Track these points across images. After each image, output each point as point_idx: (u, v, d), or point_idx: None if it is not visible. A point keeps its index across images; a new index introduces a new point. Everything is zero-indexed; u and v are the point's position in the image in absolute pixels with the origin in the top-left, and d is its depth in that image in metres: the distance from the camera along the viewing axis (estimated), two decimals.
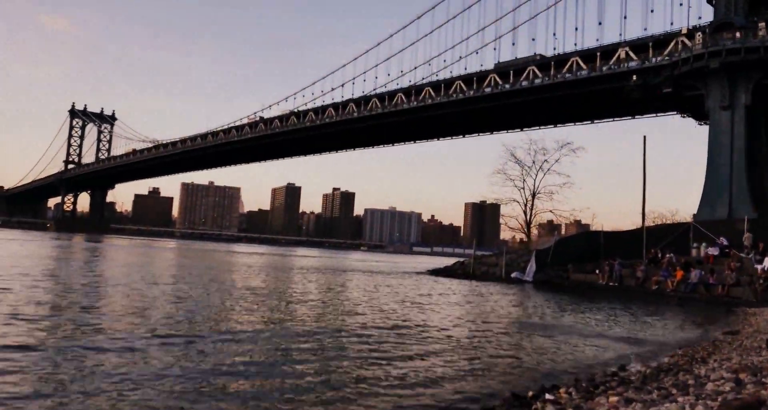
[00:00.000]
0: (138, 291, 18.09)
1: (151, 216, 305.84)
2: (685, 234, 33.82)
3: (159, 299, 16.23)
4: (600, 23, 62.47)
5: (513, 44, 70.68)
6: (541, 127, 74.63)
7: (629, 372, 9.04)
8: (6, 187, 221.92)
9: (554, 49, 65.40)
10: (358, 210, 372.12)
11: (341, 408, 6.80)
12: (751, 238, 31.05)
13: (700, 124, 56.30)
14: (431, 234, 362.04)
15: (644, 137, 37.66)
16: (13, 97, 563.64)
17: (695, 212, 47.28)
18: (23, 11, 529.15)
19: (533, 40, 68.15)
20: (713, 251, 31.05)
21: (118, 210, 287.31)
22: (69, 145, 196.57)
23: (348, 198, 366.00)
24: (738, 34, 46.79)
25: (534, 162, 49.45)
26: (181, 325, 11.78)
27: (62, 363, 7.91)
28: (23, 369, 7.44)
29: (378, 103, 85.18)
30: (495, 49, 71.88)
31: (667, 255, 31.48)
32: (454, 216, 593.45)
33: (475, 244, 53.63)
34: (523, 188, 49.85)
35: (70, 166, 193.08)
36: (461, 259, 50.18)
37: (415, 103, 79.60)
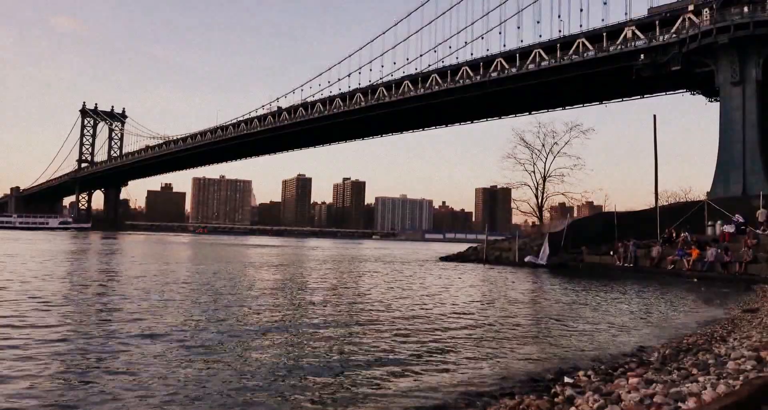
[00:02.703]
0: (163, 287, 18.20)
1: (164, 212, 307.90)
2: (699, 212, 33.57)
3: (182, 294, 16.33)
4: (605, 3, 62.11)
5: (518, 28, 70.46)
6: (550, 110, 74.55)
7: (648, 353, 9.04)
8: (22, 188, 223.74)
9: (559, 31, 65.05)
10: (369, 199, 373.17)
11: (360, 391, 6.89)
12: (765, 214, 30.74)
13: (711, 101, 55.86)
14: (443, 221, 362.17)
15: (654, 116, 37.65)
16: (26, 98, 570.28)
17: (709, 190, 46.97)
18: (35, 13, 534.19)
19: (538, 22, 67.94)
20: (729, 228, 30.70)
21: (132, 206, 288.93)
22: (81, 144, 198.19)
23: (359, 187, 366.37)
24: (746, 9, 46.23)
25: (544, 145, 49.37)
26: (205, 316, 11.86)
27: (87, 349, 8.03)
28: (45, 362, 7.54)
29: (385, 92, 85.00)
30: (500, 33, 71.55)
31: (682, 234, 31.26)
32: (465, 202, 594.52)
33: (487, 229, 53.59)
34: (534, 172, 49.81)
35: (84, 165, 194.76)
36: (474, 245, 50.13)
37: (422, 90, 79.39)
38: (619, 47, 57.49)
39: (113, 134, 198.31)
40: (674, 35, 52.54)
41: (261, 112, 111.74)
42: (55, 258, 32.43)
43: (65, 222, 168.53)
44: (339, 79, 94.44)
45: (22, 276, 20.18)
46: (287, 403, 6.40)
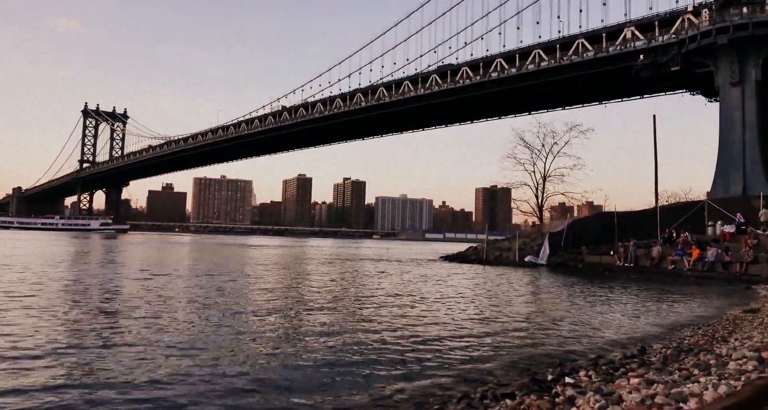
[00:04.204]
0: (175, 291, 18.22)
1: (165, 212, 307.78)
2: (699, 212, 33.61)
3: (185, 297, 16.36)
4: (604, 4, 62.07)
5: (518, 28, 70.35)
6: (550, 110, 74.47)
7: (649, 354, 9.05)
8: (24, 188, 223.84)
9: (559, 32, 64.99)
10: (370, 198, 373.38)
11: (359, 391, 6.91)
12: (766, 214, 30.78)
13: (710, 101, 55.80)
14: (443, 221, 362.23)
15: (654, 116, 37.71)
16: (29, 99, 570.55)
17: (709, 190, 46.95)
18: (36, 14, 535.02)
19: (537, 23, 67.85)
20: (729, 229, 30.72)
21: (133, 206, 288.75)
22: (83, 145, 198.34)
23: (359, 187, 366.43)
24: (745, 10, 46.21)
25: (543, 145, 49.44)
26: (207, 311, 11.90)
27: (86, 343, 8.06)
28: (52, 363, 7.56)
29: (385, 92, 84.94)
30: (500, 33, 71.48)
31: (683, 235, 31.28)
32: (465, 201, 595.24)
33: (488, 229, 53.60)
34: (534, 171, 49.86)
35: (85, 165, 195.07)
36: (474, 245, 50.14)
37: (422, 90, 79.31)
38: (618, 48, 57.43)
39: (115, 134, 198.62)
40: (674, 36, 52.50)
41: (262, 112, 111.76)
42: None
43: (106, 223, 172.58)
44: (339, 80, 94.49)
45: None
46: (281, 401, 6.43)
